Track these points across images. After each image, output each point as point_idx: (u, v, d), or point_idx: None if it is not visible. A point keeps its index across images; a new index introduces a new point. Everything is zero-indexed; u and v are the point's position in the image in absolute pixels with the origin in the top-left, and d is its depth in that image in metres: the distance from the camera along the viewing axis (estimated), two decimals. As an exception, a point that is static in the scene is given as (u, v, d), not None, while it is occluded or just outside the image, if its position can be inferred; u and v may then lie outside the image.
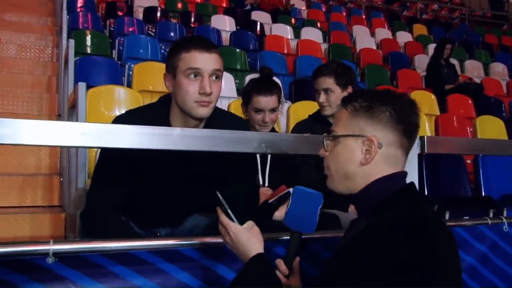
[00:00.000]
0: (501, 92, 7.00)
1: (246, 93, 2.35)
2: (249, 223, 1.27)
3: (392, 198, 1.12)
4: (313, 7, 10.07)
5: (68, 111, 2.26)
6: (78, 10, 6.28)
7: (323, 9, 10.09)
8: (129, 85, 4.15)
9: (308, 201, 1.25)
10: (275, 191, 2.17)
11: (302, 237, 1.29)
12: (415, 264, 0.97)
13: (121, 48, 5.37)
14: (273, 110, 2.34)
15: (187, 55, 1.58)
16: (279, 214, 2.02)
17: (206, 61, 1.58)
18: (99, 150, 2.10)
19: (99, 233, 1.56)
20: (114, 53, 5.38)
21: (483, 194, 3.24)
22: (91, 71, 3.95)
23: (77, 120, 1.85)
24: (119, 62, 4.62)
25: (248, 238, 1.22)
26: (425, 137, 1.74)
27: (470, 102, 5.75)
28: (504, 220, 1.92)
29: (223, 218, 1.25)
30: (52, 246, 1.23)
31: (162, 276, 1.35)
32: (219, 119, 1.68)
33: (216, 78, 1.61)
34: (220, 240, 1.38)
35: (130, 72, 4.50)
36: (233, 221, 1.25)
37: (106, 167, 1.63)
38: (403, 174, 1.18)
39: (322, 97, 2.43)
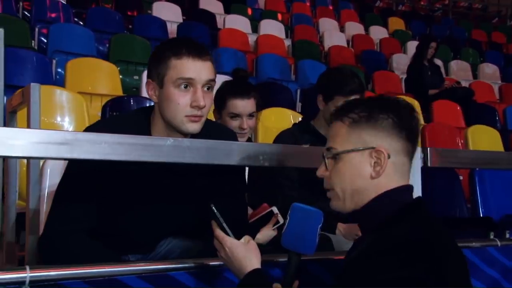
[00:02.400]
0: (493, 98, 7.43)
1: (219, 97, 2.46)
2: (246, 238, 1.42)
3: (398, 215, 1.28)
4: (272, -6, 10.33)
5: (8, 117, 2.29)
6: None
7: (284, -2, 10.38)
8: (60, 85, 4.14)
9: (307, 219, 1.38)
10: (255, 210, 2.30)
11: (301, 258, 1.43)
12: (420, 283, 1.12)
13: (42, 38, 5.35)
14: (251, 115, 2.46)
15: (178, 62, 1.66)
16: (261, 236, 2.15)
17: (199, 70, 1.67)
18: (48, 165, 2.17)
19: (64, 260, 1.62)
20: (34, 44, 5.35)
21: (481, 215, 3.50)
22: (12, 67, 3.91)
23: (29, 127, 1.91)
24: (45, 56, 4.61)
25: (245, 254, 1.37)
26: (428, 149, 1.93)
27: (458, 109, 6.09)
28: (517, 242, 2.13)
29: (218, 232, 1.40)
30: (29, 273, 1.30)
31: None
32: (206, 129, 1.75)
33: (209, 89, 1.71)
34: (216, 262, 1.51)
35: (59, 70, 4.51)
36: (228, 235, 1.39)
37: (73, 182, 1.69)
38: (409, 188, 1.35)
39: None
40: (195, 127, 1.69)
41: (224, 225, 1.39)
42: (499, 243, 2.10)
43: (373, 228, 1.30)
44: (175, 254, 1.82)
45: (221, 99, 2.46)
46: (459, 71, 8.47)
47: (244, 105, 2.43)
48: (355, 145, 1.31)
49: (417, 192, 1.86)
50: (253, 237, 2.15)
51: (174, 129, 1.71)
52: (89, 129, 1.74)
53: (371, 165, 1.29)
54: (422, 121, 4.94)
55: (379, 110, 1.31)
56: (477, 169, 3.65)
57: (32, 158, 1.78)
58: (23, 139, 1.30)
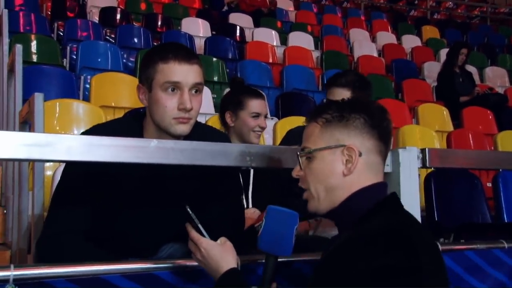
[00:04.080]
0: (529, 104, 7.24)
1: (236, 100, 2.58)
2: (222, 239, 1.44)
3: (374, 209, 1.29)
4: (303, 7, 10.42)
5: (20, 127, 2.39)
6: (17, 9, 6.41)
7: (314, 10, 10.43)
8: (86, 100, 4.28)
9: (282, 221, 1.40)
10: (262, 214, 2.33)
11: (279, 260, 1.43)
12: (398, 270, 1.13)
13: (74, 56, 5.53)
14: (266, 116, 2.63)
15: (165, 66, 1.71)
16: None
17: (186, 73, 1.71)
18: (58, 172, 2.25)
19: (58, 261, 1.66)
20: (65, 62, 5.54)
21: (506, 220, 3.42)
22: (40, 83, 4.07)
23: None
24: (73, 73, 4.76)
25: (221, 254, 1.40)
26: (427, 149, 1.91)
27: (490, 116, 5.97)
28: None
29: (193, 233, 1.43)
30: (13, 271, 1.34)
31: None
32: (198, 133, 1.80)
33: (196, 92, 1.75)
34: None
35: (87, 85, 4.64)
36: (204, 236, 1.41)
37: (69, 185, 1.74)
38: (384, 184, 1.37)
39: None
40: (183, 128, 1.73)
41: (200, 226, 1.41)
42: (506, 245, 2.06)
43: (349, 225, 1.31)
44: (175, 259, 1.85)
45: (239, 101, 2.58)
46: (495, 77, 8.32)
47: (263, 105, 2.61)
48: (327, 143, 1.34)
49: (415, 195, 1.84)
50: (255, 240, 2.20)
51: (164, 132, 1.75)
52: (84, 133, 1.79)
53: (343, 163, 1.32)
54: (434, 134, 4.85)
55: (351, 110, 1.35)
56: (500, 173, 3.59)
57: (15, 160, 1.84)
58: (7, 141, 1.34)
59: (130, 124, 1.84)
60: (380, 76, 7.09)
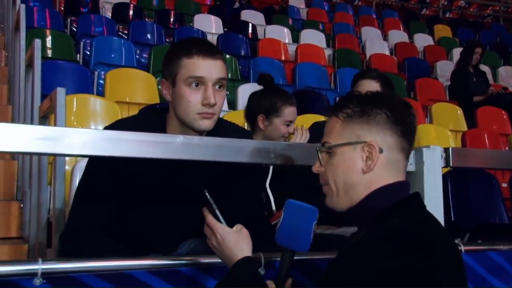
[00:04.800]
0: (544, 104, 7.19)
1: (271, 104, 2.59)
2: (238, 226, 1.42)
3: (394, 208, 1.27)
4: (314, 5, 10.38)
5: (40, 122, 2.40)
6: (30, 4, 6.44)
7: (326, 8, 10.41)
8: (100, 95, 4.29)
9: (301, 216, 1.38)
10: (278, 212, 2.33)
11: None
12: (413, 271, 1.11)
13: (87, 51, 5.55)
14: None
15: (189, 61, 1.71)
16: None
17: (210, 68, 1.71)
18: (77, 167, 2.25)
19: (80, 255, 1.67)
20: (79, 57, 5.56)
21: (523, 222, 3.40)
22: (55, 78, 4.09)
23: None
24: (87, 68, 4.78)
25: (236, 241, 1.38)
26: (450, 148, 1.90)
27: (505, 116, 5.94)
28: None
29: (210, 218, 1.41)
30: (42, 265, 1.35)
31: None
32: (221, 129, 1.81)
33: (220, 87, 1.75)
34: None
35: (101, 81, 4.66)
36: (220, 222, 1.40)
37: (93, 181, 1.75)
38: (406, 183, 1.35)
39: None
40: (207, 124, 1.73)
41: (217, 211, 1.39)
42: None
43: (368, 223, 1.29)
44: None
45: (275, 107, 2.59)
46: (508, 77, 8.26)
47: (295, 112, 2.66)
48: (348, 139, 1.32)
49: (438, 193, 1.84)
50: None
51: (187, 127, 1.75)
52: (107, 128, 1.80)
53: (363, 159, 1.30)
54: (449, 133, 4.84)
55: (373, 105, 1.32)
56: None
57: (39, 154, 1.84)
58: (30, 135, 1.33)
59: (153, 120, 1.84)
60: (392, 74, 7.04)
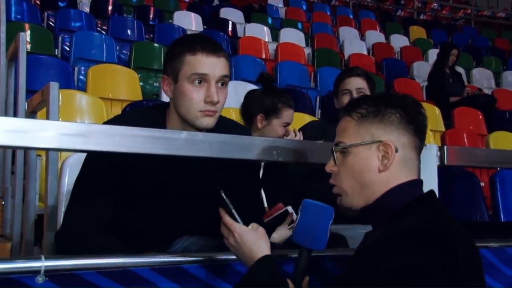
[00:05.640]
0: (516, 106, 7.35)
1: (272, 104, 2.60)
2: (254, 225, 1.42)
3: (411, 205, 1.28)
4: (292, 4, 10.41)
5: (28, 117, 2.34)
6: (6, -4, 6.31)
7: (304, 7, 10.45)
8: (82, 91, 4.22)
9: (318, 215, 1.39)
10: (270, 209, 2.32)
11: (312, 254, 1.43)
12: (435, 269, 1.12)
13: (65, 46, 5.46)
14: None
15: (192, 58, 1.69)
16: (277, 235, 2.19)
17: (214, 66, 1.69)
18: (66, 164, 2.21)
19: (79, 252, 1.64)
20: (57, 52, 5.46)
21: (502, 220, 3.46)
22: (36, 73, 4.01)
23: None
24: (68, 63, 4.71)
25: (255, 240, 1.37)
26: (445, 147, 1.92)
27: (480, 116, 6.05)
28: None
29: (227, 218, 1.40)
30: (45, 262, 1.32)
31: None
32: (222, 126, 1.79)
33: (223, 84, 1.74)
34: (230, 257, 1.52)
35: (81, 76, 4.59)
36: (237, 221, 1.40)
37: (92, 176, 1.72)
38: (420, 182, 1.37)
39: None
40: (209, 121, 1.71)
41: (234, 211, 1.39)
42: (521, 245, 2.08)
43: (385, 221, 1.30)
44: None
45: (276, 108, 2.60)
46: (482, 79, 8.44)
47: (293, 114, 2.67)
48: (363, 139, 1.33)
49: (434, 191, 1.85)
50: (269, 236, 2.19)
51: (188, 124, 1.73)
52: (106, 123, 1.76)
53: (378, 159, 1.31)
54: (430, 133, 4.91)
55: (386, 105, 1.33)
56: (498, 172, 3.63)
57: (46, 149, 1.80)
58: (37, 130, 1.31)
59: (153, 116, 1.81)
60: (371, 74, 7.10)
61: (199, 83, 1.69)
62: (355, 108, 1.36)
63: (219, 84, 1.72)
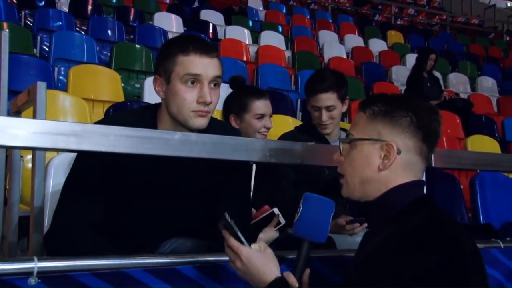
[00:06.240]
0: (491, 110, 7.52)
1: (239, 101, 2.56)
2: (261, 245, 1.39)
3: (413, 206, 1.30)
4: (272, 7, 10.45)
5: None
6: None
7: (284, 11, 10.49)
8: (63, 91, 4.17)
9: (320, 208, 1.41)
10: (257, 211, 2.33)
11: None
12: (447, 270, 1.14)
13: (44, 46, 5.40)
14: (271, 116, 2.60)
15: (185, 58, 1.68)
16: (264, 235, 2.20)
17: (206, 66, 1.69)
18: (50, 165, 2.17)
19: (68, 253, 1.61)
20: (36, 52, 5.40)
21: (482, 222, 3.50)
22: (17, 73, 3.95)
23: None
24: (48, 63, 4.64)
25: (263, 262, 1.34)
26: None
27: (458, 120, 6.13)
28: (518, 244, 2.13)
29: (233, 241, 1.36)
30: (38, 263, 1.30)
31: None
32: (213, 128, 1.78)
33: (215, 85, 1.73)
34: (221, 258, 1.51)
35: (61, 77, 4.53)
36: (243, 244, 1.36)
37: (83, 176, 1.70)
38: (422, 182, 1.38)
39: (325, 116, 2.64)
40: (201, 122, 1.71)
41: (239, 233, 1.36)
42: (502, 245, 2.11)
43: (386, 221, 1.31)
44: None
45: (242, 103, 2.56)
46: (458, 83, 8.59)
47: (267, 105, 2.58)
48: (370, 135, 1.35)
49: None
50: (255, 238, 2.19)
51: (180, 125, 1.72)
52: (98, 123, 1.74)
53: (380, 157, 1.33)
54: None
55: (399, 107, 1.35)
56: (477, 175, 3.67)
57: (40, 149, 1.78)
58: (31, 129, 1.30)
59: (144, 116, 1.80)
60: (351, 78, 7.15)
61: (192, 83, 1.69)
62: (369, 105, 1.38)
63: (212, 85, 1.72)
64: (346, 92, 2.66)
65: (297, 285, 1.35)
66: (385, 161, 1.32)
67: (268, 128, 2.57)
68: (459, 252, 1.17)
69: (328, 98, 2.61)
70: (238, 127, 2.56)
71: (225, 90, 3.26)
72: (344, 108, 2.66)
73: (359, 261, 1.30)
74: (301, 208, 1.41)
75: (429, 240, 1.17)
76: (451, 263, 1.15)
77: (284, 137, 2.73)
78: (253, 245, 1.37)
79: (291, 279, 1.35)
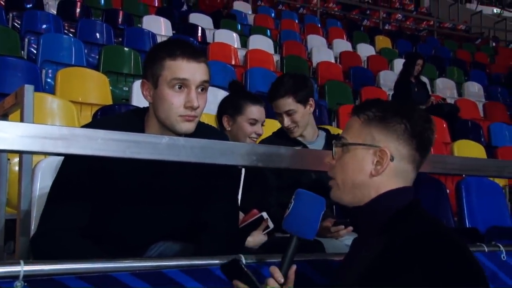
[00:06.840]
0: (477, 115, 7.60)
1: (234, 103, 2.58)
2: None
3: (405, 212, 1.30)
4: (261, 11, 10.48)
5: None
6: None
7: (273, 15, 10.52)
8: (51, 94, 4.15)
9: (311, 204, 1.42)
10: (246, 215, 2.34)
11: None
12: (460, 275, 1.14)
13: (32, 48, 5.37)
14: (263, 123, 2.61)
15: (172, 63, 1.69)
16: (252, 239, 2.22)
17: (194, 71, 1.70)
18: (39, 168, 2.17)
19: (55, 257, 1.61)
20: (23, 54, 5.37)
21: (468, 226, 3.53)
22: (4, 75, 3.93)
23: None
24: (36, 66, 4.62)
25: None
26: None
27: (444, 125, 6.18)
28: (502, 248, 2.15)
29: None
30: (24, 267, 1.30)
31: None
32: (201, 132, 1.78)
33: (203, 90, 1.74)
34: (210, 261, 1.52)
35: (49, 79, 4.51)
36: None
37: (69, 180, 1.70)
38: (411, 189, 1.38)
39: (287, 120, 2.66)
40: (188, 126, 1.71)
41: (253, 278, 1.35)
42: (486, 249, 2.13)
43: (376, 227, 1.31)
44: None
45: (238, 105, 2.57)
46: (445, 89, 8.66)
47: (261, 111, 2.59)
48: (363, 140, 1.35)
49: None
50: (244, 241, 2.21)
51: (168, 129, 1.73)
52: (86, 127, 1.74)
53: (373, 163, 1.33)
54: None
55: (393, 113, 1.34)
56: (463, 180, 3.71)
57: (28, 152, 1.77)
58: (18, 132, 1.29)
59: (132, 120, 1.80)
60: (339, 82, 7.21)
61: (179, 88, 1.70)
62: (364, 110, 1.38)
63: (199, 89, 1.72)
64: (307, 93, 2.64)
65: (282, 280, 1.36)
66: (377, 167, 1.32)
67: (259, 135, 2.58)
68: (466, 257, 1.17)
69: (285, 103, 2.62)
70: (229, 129, 2.58)
71: (221, 95, 3.28)
72: (310, 110, 2.65)
73: (361, 276, 1.25)
74: (292, 203, 1.42)
75: (432, 245, 1.17)
76: (462, 269, 1.15)
77: (262, 143, 2.74)
78: None
79: (277, 273, 1.37)
